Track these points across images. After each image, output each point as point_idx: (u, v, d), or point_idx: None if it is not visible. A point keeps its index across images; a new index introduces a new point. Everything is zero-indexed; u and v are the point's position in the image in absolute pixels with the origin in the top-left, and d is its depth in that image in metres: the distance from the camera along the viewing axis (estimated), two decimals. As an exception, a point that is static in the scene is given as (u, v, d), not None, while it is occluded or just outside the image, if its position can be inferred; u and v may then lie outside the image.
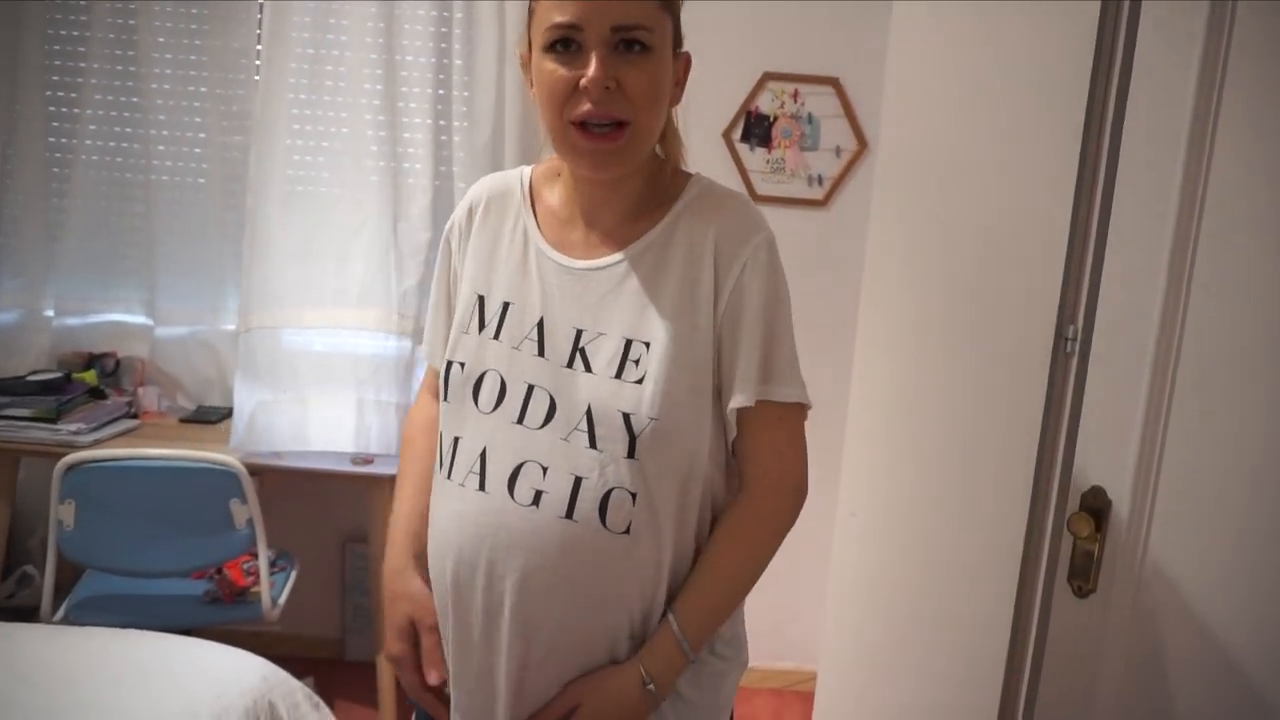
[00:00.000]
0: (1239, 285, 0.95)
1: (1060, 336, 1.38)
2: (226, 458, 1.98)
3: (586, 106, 0.90)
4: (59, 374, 2.37)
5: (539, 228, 1.00)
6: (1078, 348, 1.35)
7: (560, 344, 0.94)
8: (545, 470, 0.92)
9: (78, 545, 1.97)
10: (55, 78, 2.44)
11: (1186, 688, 0.99)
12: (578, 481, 0.91)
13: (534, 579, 0.92)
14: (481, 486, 0.94)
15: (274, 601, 2.07)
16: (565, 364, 0.93)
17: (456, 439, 0.97)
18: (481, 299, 0.99)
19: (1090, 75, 1.27)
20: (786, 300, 1.01)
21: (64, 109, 2.46)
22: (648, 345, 0.92)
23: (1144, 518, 1.00)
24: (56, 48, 2.43)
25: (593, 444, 0.91)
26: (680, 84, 1.00)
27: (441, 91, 2.44)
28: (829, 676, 2.07)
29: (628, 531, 0.92)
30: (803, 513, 2.63)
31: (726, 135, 2.48)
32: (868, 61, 2.43)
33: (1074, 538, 1.05)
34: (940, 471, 1.70)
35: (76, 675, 1.54)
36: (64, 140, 2.46)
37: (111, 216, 2.49)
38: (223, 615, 2.09)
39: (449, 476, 0.97)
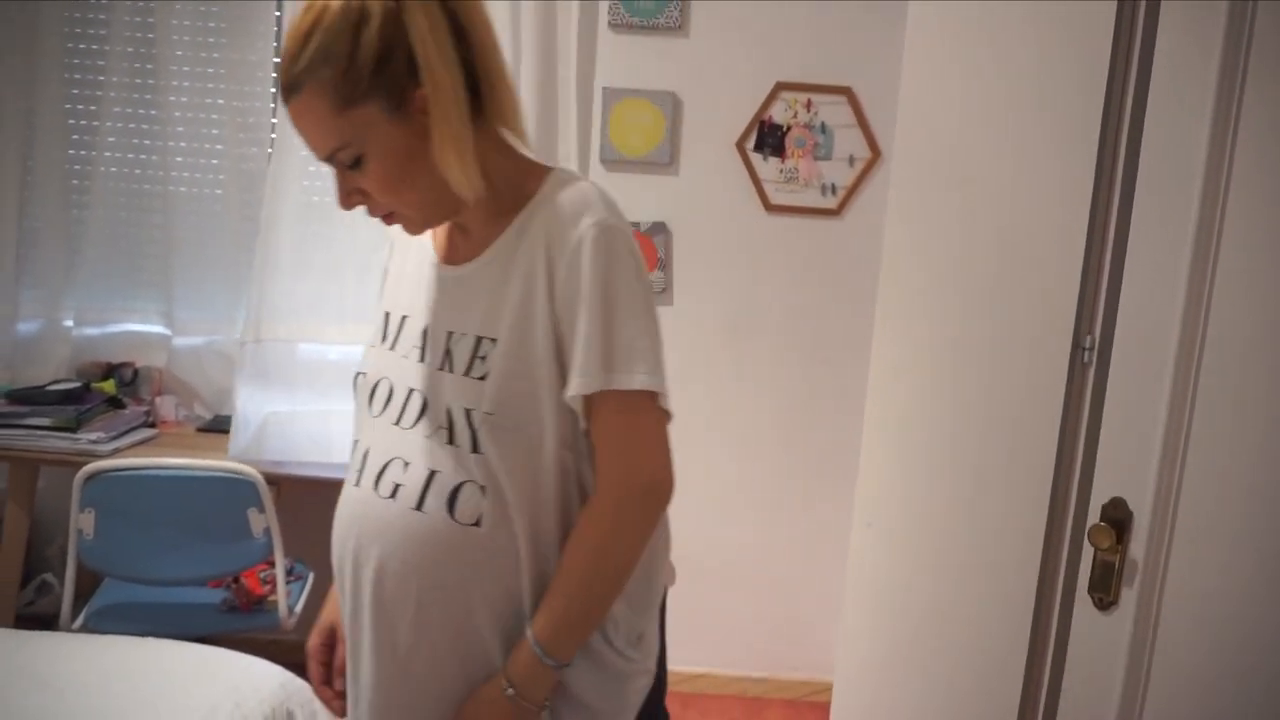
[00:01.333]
0: (1261, 293, 0.94)
1: (1077, 347, 1.37)
2: (244, 467, 1.99)
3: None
4: (78, 384, 2.39)
5: (434, 242, 1.05)
6: (1094, 358, 1.34)
7: (437, 348, 0.98)
8: (407, 465, 0.97)
9: (97, 554, 1.98)
10: (75, 91, 2.48)
11: (1209, 702, 0.98)
12: (432, 475, 0.95)
13: (387, 568, 0.96)
14: (357, 482, 1.01)
15: (290, 610, 2.08)
16: (438, 366, 0.98)
17: (355, 442, 1.04)
18: (388, 315, 1.05)
19: (1107, 81, 1.26)
20: (631, 284, 0.93)
21: (83, 122, 2.49)
22: (494, 342, 0.94)
23: (1166, 529, 0.99)
24: (76, 61, 2.46)
25: (451, 440, 0.95)
26: (431, 109, 0.90)
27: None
28: (845, 688, 2.06)
29: (478, 524, 0.94)
30: (817, 524, 2.62)
31: (740, 145, 2.49)
32: (880, 70, 2.43)
33: (1095, 549, 1.04)
34: (957, 482, 1.69)
35: (96, 683, 1.55)
36: (83, 152, 2.50)
37: (130, 228, 2.52)
38: (240, 624, 2.10)
39: (348, 477, 1.05)
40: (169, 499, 1.99)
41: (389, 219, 0.97)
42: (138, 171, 2.51)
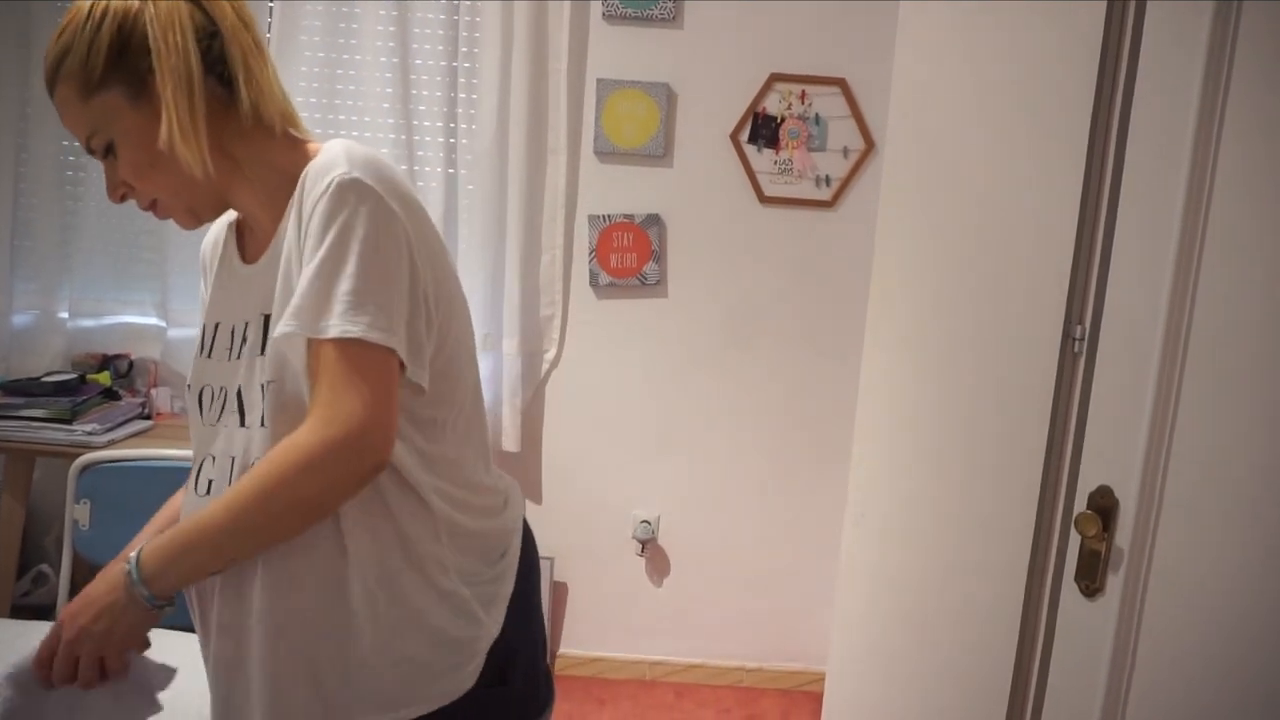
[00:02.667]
0: (1246, 283, 0.95)
1: (1067, 336, 1.38)
2: (239, 458, 1.99)
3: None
4: (73, 375, 2.39)
5: (239, 247, 1.08)
6: (1084, 347, 1.35)
7: (235, 340, 1.02)
8: (215, 459, 1.00)
9: (93, 544, 1.99)
10: (69, 82, 2.47)
11: (1195, 689, 0.99)
12: (231, 461, 0.98)
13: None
14: (192, 488, 1.05)
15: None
16: (235, 356, 1.01)
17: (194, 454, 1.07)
18: (204, 327, 1.08)
19: (1097, 73, 1.27)
20: (363, 238, 0.91)
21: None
22: (271, 315, 0.96)
23: (1151, 517, 1.00)
24: (70, 52, 2.46)
25: (242, 423, 0.98)
26: (159, 90, 0.94)
27: (451, 94, 2.46)
28: (838, 677, 2.07)
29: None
30: (810, 515, 2.63)
31: (734, 136, 2.49)
32: (875, 62, 2.44)
33: (1081, 537, 1.05)
34: (948, 472, 1.70)
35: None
36: (77, 144, 2.48)
37: (125, 219, 2.52)
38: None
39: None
40: (165, 490, 1.97)
41: (156, 210, 1.02)
42: (132, 163, 2.51)
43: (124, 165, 0.98)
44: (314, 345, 0.91)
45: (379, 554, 0.97)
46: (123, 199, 1.01)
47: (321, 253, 0.91)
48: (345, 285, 0.90)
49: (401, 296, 0.93)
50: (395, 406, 0.92)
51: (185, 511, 1.03)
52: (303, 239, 0.93)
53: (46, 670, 0.97)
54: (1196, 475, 0.97)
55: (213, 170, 0.97)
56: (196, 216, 1.03)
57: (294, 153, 1.01)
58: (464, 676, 1.00)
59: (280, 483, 0.89)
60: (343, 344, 0.90)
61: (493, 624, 1.04)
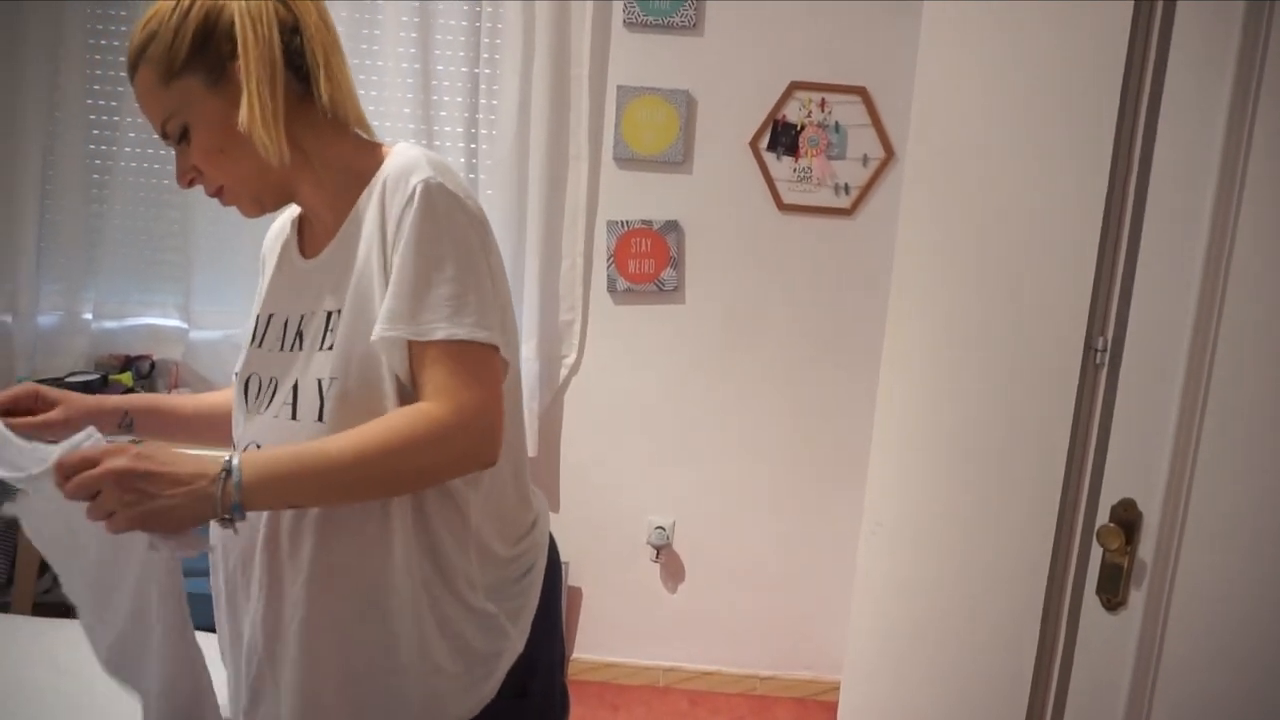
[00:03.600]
0: (1275, 294, 0.94)
1: (1090, 348, 1.37)
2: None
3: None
4: (96, 376, 2.42)
5: (299, 241, 1.11)
6: (1107, 359, 1.34)
7: (291, 333, 1.04)
8: (259, 449, 1.00)
9: (113, 544, 2.00)
10: (95, 87, 2.50)
11: (1219, 704, 0.98)
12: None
13: (245, 552, 1.01)
14: None
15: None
16: (292, 349, 1.02)
17: (237, 438, 1.09)
18: (258, 318, 1.11)
19: (1122, 81, 1.26)
20: (457, 242, 0.95)
21: (104, 117, 2.52)
22: (339, 313, 0.98)
23: (1175, 531, 0.99)
24: (97, 57, 2.49)
25: (294, 416, 0.99)
26: (241, 77, 0.97)
27: (472, 100, 2.47)
28: (853, 687, 2.06)
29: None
30: (827, 523, 2.62)
31: (754, 144, 2.49)
32: (895, 70, 2.43)
33: (1104, 550, 1.04)
34: (967, 483, 1.69)
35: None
36: (104, 148, 2.52)
37: (149, 222, 2.55)
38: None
39: None
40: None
41: (222, 196, 1.04)
42: (157, 166, 2.54)
43: (197, 149, 1.00)
44: (418, 348, 0.94)
45: (418, 558, 0.98)
46: (190, 184, 1.04)
47: (416, 258, 0.94)
48: (445, 289, 0.93)
49: (495, 296, 0.98)
50: (502, 403, 0.97)
51: None
52: (389, 243, 0.96)
53: (66, 475, 0.88)
54: (1222, 489, 0.96)
55: (288, 156, 0.99)
56: (260, 205, 1.05)
57: (364, 153, 1.04)
58: (487, 690, 1.01)
59: (408, 444, 0.91)
60: (451, 345, 0.93)
61: (519, 638, 1.04)
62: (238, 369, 1.10)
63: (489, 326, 0.95)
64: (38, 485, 0.93)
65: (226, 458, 0.90)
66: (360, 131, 1.07)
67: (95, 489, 0.86)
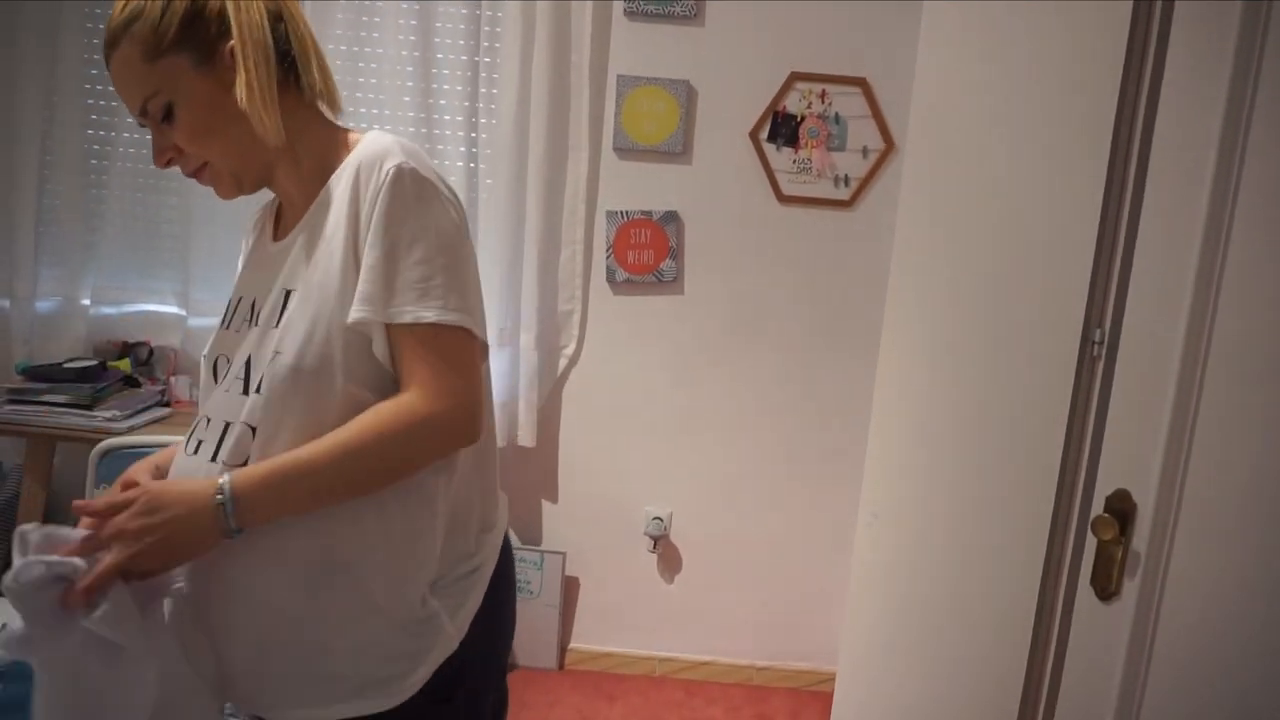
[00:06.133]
0: (1270, 288, 0.95)
1: (1087, 340, 1.37)
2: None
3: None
4: (94, 362, 2.42)
5: (274, 226, 1.12)
6: (1104, 351, 1.34)
7: (252, 312, 1.05)
8: (209, 421, 1.02)
9: (111, 529, 2.01)
10: (94, 72, 2.50)
11: (1211, 693, 0.99)
12: (225, 426, 1.00)
13: None
14: (183, 448, 1.06)
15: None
16: (250, 326, 1.04)
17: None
18: (229, 301, 1.12)
19: (1121, 74, 1.26)
20: (428, 226, 0.96)
21: (102, 102, 2.51)
22: (294, 291, 0.99)
23: (1169, 522, 0.99)
24: (95, 41, 2.48)
25: (244, 389, 1.00)
26: (238, 58, 0.99)
27: (472, 90, 2.46)
28: (849, 677, 2.07)
29: (245, 464, 0.97)
30: (822, 513, 2.62)
31: (754, 135, 2.49)
32: (896, 62, 2.43)
33: (1098, 540, 1.05)
34: (963, 474, 1.69)
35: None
36: (102, 134, 2.52)
37: (147, 209, 2.54)
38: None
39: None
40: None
41: (201, 176, 1.04)
42: (155, 153, 2.54)
43: (181, 128, 1.00)
44: (394, 333, 0.95)
45: (361, 541, 0.97)
46: (168, 164, 1.04)
47: (386, 241, 0.94)
48: (414, 272, 0.94)
49: (471, 279, 0.98)
50: (483, 383, 0.98)
51: (176, 472, 1.04)
52: (363, 227, 0.96)
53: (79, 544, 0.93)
54: (1216, 480, 0.97)
55: (283, 138, 1.00)
56: (239, 185, 1.06)
57: (338, 139, 1.06)
58: (412, 682, 0.99)
59: (390, 438, 0.93)
60: (422, 330, 0.94)
61: (455, 634, 1.02)
62: (206, 351, 1.10)
63: (460, 309, 0.95)
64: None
65: (218, 482, 0.93)
66: (336, 119, 1.09)
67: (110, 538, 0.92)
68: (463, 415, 0.96)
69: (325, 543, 0.97)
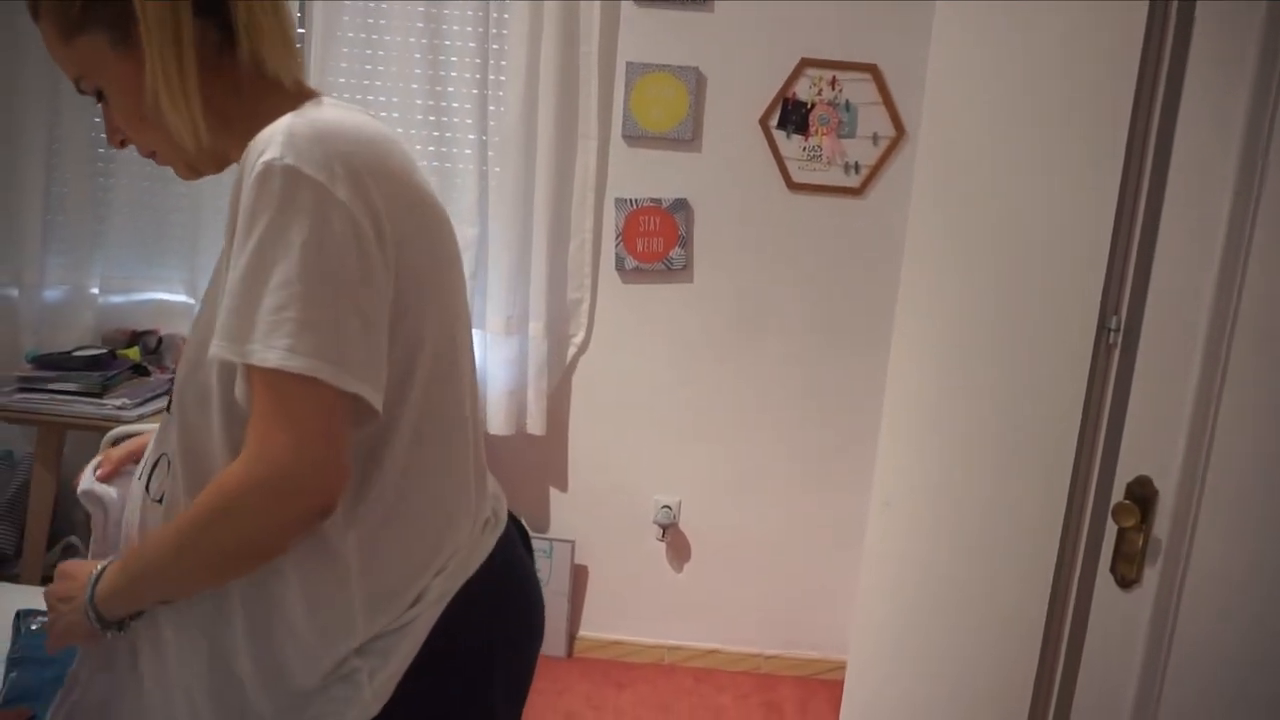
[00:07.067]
0: (1294, 275, 0.94)
1: (1102, 327, 1.36)
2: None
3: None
4: (104, 350, 2.42)
5: None
6: (1120, 339, 1.33)
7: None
8: (152, 445, 0.96)
9: (122, 517, 2.01)
10: (102, 59, 2.49)
11: (1233, 682, 0.98)
12: (160, 456, 0.93)
13: None
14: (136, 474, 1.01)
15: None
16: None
17: None
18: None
19: (1140, 55, 1.25)
20: (291, 243, 0.77)
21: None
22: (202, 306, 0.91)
23: (1191, 509, 0.99)
24: (103, 29, 2.47)
25: (169, 408, 0.92)
26: (142, 41, 0.84)
27: (481, 76, 2.45)
28: (859, 665, 2.07)
29: (161, 500, 0.91)
30: (832, 503, 2.61)
31: (763, 122, 2.47)
32: (907, 48, 2.41)
33: (1119, 527, 1.04)
34: (977, 462, 1.69)
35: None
36: (110, 121, 2.51)
37: (156, 197, 2.54)
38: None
39: None
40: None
41: (156, 160, 0.93)
42: (163, 140, 2.53)
43: (118, 114, 0.90)
44: (249, 373, 0.79)
45: (262, 611, 0.87)
46: (122, 144, 0.93)
47: (245, 260, 0.77)
48: (269, 300, 0.77)
49: (346, 308, 0.78)
50: (338, 439, 0.79)
51: (129, 500, 0.98)
52: (237, 236, 0.80)
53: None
54: (1239, 467, 0.96)
55: (205, 136, 0.86)
56: (195, 171, 0.94)
57: (295, 107, 0.87)
58: None
59: (206, 526, 0.80)
60: (266, 374, 0.77)
61: (372, 700, 0.86)
62: None
63: (310, 354, 0.76)
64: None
65: (98, 568, 0.88)
66: (307, 86, 0.94)
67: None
68: (283, 482, 0.77)
69: (229, 612, 0.87)
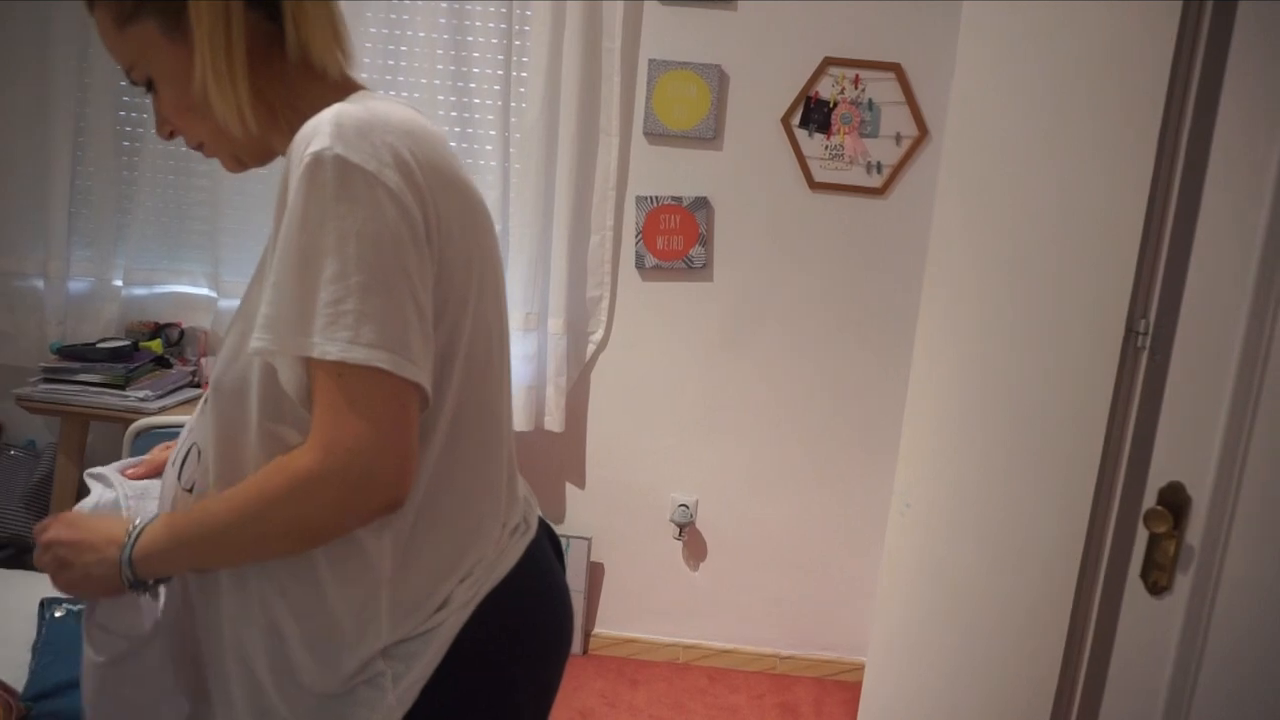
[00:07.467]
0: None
1: (1130, 331, 1.35)
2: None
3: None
4: (127, 342, 2.44)
5: None
6: (1149, 342, 1.32)
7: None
8: (187, 431, 0.96)
9: (145, 508, 2.03)
10: (128, 53, 2.50)
11: (1262, 689, 0.97)
12: (192, 446, 0.93)
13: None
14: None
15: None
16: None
17: None
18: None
19: (1173, 52, 1.23)
20: (346, 233, 0.76)
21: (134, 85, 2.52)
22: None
23: (1225, 517, 0.97)
24: (129, 23, 2.49)
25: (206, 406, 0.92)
26: (193, 28, 0.85)
27: (504, 73, 2.45)
28: (878, 666, 2.06)
29: (191, 490, 0.91)
30: (851, 503, 2.60)
31: (785, 120, 2.46)
32: (930, 47, 2.40)
33: (1150, 534, 1.03)
34: (999, 466, 1.68)
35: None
36: (133, 115, 2.53)
37: (178, 190, 2.55)
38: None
39: None
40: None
41: (204, 151, 0.93)
42: (186, 134, 2.54)
43: (164, 103, 0.90)
44: (310, 364, 0.78)
45: (291, 609, 0.87)
46: (171, 135, 0.94)
47: (294, 252, 0.77)
48: (325, 293, 0.76)
49: (402, 297, 0.78)
50: (411, 428, 0.79)
51: (161, 485, 0.98)
52: (279, 216, 0.80)
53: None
54: (1276, 474, 0.95)
55: (253, 125, 0.87)
56: (241, 163, 0.94)
57: (344, 98, 0.88)
58: None
59: (270, 503, 0.80)
60: (328, 366, 0.77)
61: (397, 706, 0.86)
62: None
63: (373, 344, 0.76)
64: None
65: (134, 525, 0.87)
66: (353, 78, 0.94)
67: (43, 558, 0.90)
68: (359, 472, 0.77)
69: (265, 602, 0.88)
